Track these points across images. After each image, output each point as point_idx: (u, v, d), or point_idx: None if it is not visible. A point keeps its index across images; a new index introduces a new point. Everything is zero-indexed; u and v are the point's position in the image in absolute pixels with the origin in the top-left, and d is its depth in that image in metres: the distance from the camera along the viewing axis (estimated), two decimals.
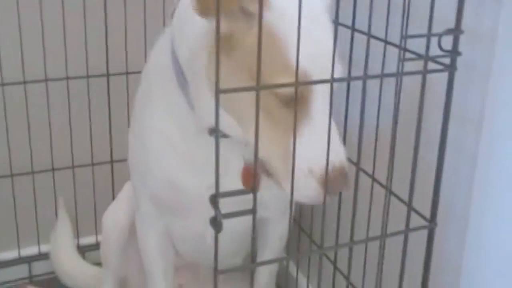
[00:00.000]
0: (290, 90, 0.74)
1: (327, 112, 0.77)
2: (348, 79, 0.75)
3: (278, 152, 0.78)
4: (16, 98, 1.45)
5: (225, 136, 0.88)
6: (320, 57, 0.75)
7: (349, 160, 1.10)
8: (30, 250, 1.58)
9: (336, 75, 0.76)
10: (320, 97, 0.77)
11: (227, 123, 0.82)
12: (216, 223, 0.67)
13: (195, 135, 0.94)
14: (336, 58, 0.75)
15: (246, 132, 0.81)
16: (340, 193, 1.07)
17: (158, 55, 1.00)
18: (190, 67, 0.87)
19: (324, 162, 0.75)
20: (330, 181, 0.76)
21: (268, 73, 0.73)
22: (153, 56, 1.02)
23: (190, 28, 0.85)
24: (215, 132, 0.65)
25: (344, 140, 1.13)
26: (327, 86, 0.75)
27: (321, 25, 0.80)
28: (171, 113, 0.97)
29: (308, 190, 0.77)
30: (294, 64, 0.69)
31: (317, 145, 0.76)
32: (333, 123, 0.77)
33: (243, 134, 0.83)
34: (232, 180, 0.87)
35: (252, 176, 0.92)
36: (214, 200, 0.67)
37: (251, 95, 0.67)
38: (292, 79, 0.71)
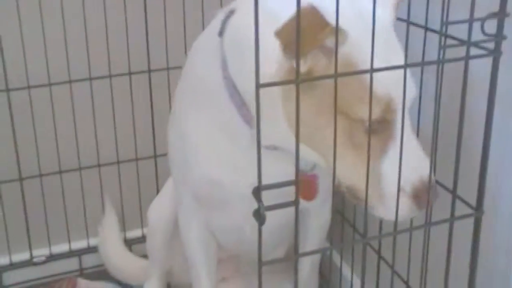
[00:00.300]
0: (375, 116, 0.76)
1: (409, 129, 0.80)
2: (388, 68, 0.74)
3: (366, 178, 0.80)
4: (62, 96, 1.49)
5: (275, 148, 0.89)
6: (400, 80, 0.76)
7: None
8: (80, 244, 1.62)
9: (412, 95, 0.80)
10: (401, 116, 0.79)
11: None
12: (259, 215, 0.67)
13: (244, 145, 0.94)
14: (410, 76, 0.78)
15: (328, 162, 0.82)
16: None
17: (202, 63, 0.98)
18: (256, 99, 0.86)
19: (413, 178, 0.78)
20: (422, 195, 0.79)
21: (350, 103, 0.75)
22: (197, 61, 1.00)
23: None
24: (257, 133, 0.65)
25: None
26: (406, 105, 0.78)
27: (395, 47, 0.81)
28: (215, 119, 0.96)
29: (401, 208, 0.80)
30: (376, 93, 0.73)
31: (405, 164, 0.78)
32: (415, 138, 0.80)
33: (323, 163, 0.85)
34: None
35: (312, 187, 0.93)
36: (257, 192, 0.67)
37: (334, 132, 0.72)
38: (375, 108, 0.74)
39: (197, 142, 1.00)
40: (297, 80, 0.65)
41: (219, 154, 0.98)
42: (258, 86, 0.62)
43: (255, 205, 0.67)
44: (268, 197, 0.67)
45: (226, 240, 1.20)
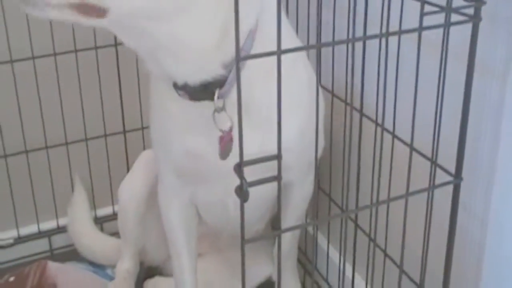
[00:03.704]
0: None
1: None
2: (366, 37, 0.73)
3: None
4: (25, 74, 1.43)
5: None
6: None
7: (370, 118, 1.09)
8: (49, 224, 1.59)
9: None
10: None
11: None
12: (242, 192, 0.65)
13: (181, 101, 0.92)
14: None
15: None
16: (359, 152, 1.05)
17: None
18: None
19: None
20: None
21: None
22: None
23: None
24: (238, 112, 0.62)
25: (362, 98, 1.11)
26: None
27: None
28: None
29: None
30: None
31: None
32: None
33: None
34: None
35: (226, 142, 0.91)
36: (238, 169, 0.65)
37: None
38: None
39: (175, 114, 0.98)
40: (278, 51, 0.63)
41: (196, 125, 0.96)
42: (239, 59, 0.60)
43: (236, 179, 0.65)
44: (247, 170, 0.65)
45: (210, 215, 1.18)
